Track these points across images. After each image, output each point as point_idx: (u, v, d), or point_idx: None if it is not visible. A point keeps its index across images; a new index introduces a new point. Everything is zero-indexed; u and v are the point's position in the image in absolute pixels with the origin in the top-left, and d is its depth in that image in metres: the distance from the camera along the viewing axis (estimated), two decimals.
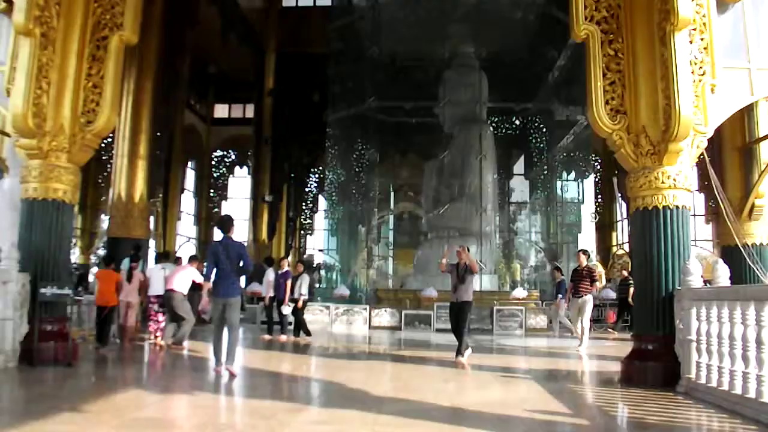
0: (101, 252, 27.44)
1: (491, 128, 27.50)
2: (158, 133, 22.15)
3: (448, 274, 11.69)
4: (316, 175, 35.66)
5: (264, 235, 30.35)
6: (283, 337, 14.87)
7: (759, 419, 6.17)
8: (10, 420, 5.81)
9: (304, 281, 15.61)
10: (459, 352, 10.72)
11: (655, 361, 8.54)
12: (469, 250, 11.51)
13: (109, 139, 19.82)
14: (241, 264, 9.14)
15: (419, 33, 25.42)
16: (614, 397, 7.92)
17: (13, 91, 9.22)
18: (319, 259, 32.95)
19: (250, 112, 33.79)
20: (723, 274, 7.80)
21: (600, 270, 27.22)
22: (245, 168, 36.04)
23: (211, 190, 36.11)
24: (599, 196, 32.61)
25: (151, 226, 23.58)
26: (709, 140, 9.13)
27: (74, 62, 9.94)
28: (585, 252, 14.72)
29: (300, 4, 32.94)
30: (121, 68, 10.57)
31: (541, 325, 18.89)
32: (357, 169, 28.87)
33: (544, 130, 29.60)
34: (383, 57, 26.80)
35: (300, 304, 15.25)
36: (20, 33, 9.16)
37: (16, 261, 9.20)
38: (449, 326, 17.53)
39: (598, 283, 13.57)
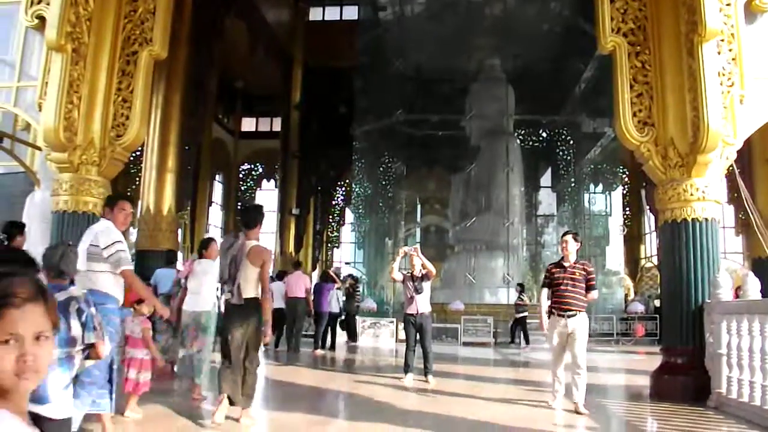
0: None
1: (518, 141, 27.55)
2: (186, 147, 22.28)
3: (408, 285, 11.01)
4: (343, 188, 35.71)
5: (291, 248, 30.39)
6: (319, 351, 15.01)
7: None
8: None
9: (338, 294, 16.09)
10: (427, 370, 10.13)
11: (685, 375, 8.41)
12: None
13: (138, 153, 19.95)
14: None
15: (446, 46, 25.52)
16: (643, 412, 7.83)
17: (44, 105, 9.36)
18: (345, 272, 32.97)
19: (277, 125, 33.99)
20: (753, 287, 7.69)
21: (628, 283, 26.92)
22: (272, 181, 36.13)
23: (239, 204, 36.16)
24: (627, 209, 32.38)
25: (179, 238, 23.73)
26: (739, 151, 9.00)
27: (104, 77, 10.09)
28: (576, 235, 8.32)
29: (327, 18, 33.17)
30: (151, 83, 10.71)
31: None
32: (384, 182, 28.94)
33: (571, 142, 29.48)
34: (410, 70, 26.93)
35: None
36: (52, 49, 9.30)
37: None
38: (476, 339, 17.61)
39: (594, 293, 8.17)
